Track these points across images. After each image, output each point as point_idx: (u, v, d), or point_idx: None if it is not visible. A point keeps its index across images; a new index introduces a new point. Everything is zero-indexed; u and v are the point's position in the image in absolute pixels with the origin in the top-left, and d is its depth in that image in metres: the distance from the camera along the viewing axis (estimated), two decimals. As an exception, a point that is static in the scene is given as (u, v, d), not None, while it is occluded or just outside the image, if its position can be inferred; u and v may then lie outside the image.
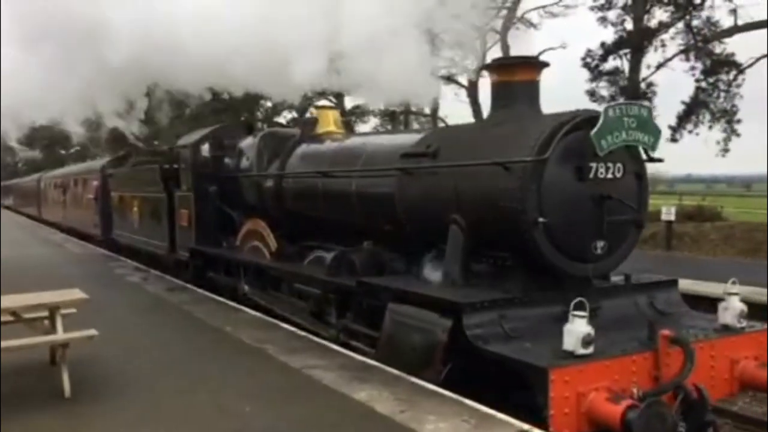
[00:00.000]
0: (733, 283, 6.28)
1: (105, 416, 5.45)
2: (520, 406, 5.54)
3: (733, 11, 22.95)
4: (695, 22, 24.37)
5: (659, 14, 25.43)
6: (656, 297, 6.90)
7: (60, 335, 6.14)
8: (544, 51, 28.26)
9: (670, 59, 25.00)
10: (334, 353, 7.16)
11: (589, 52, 25.78)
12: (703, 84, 24.53)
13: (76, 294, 6.64)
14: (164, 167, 13.80)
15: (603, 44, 25.63)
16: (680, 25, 25.15)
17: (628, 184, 6.47)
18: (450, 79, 34.04)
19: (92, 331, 6.17)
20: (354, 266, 8.02)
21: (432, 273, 7.18)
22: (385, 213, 7.89)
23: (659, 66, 25.34)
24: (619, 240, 6.50)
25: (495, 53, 27.29)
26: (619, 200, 6.24)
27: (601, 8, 26.00)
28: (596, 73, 26.12)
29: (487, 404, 5.43)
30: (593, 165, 6.16)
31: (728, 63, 24.34)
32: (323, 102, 26.24)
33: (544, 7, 30.71)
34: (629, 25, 25.55)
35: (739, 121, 24.22)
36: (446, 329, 6.06)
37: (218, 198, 12.06)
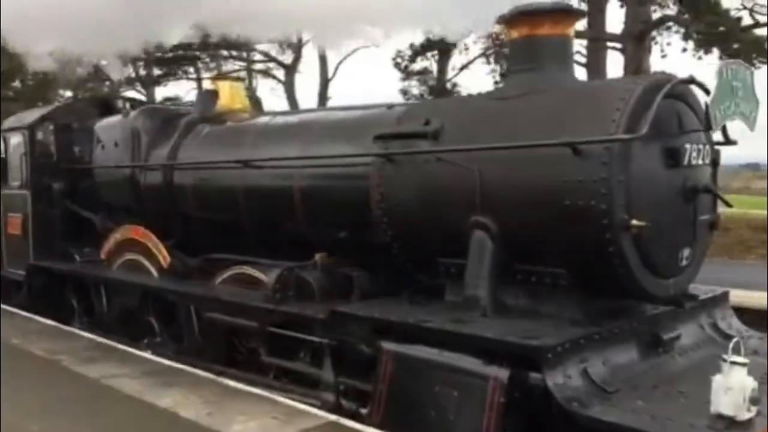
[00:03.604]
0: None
1: None
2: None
3: None
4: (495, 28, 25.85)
5: (464, 19, 26.83)
6: (714, 315, 5.48)
7: None
8: (357, 49, 27.63)
9: (472, 61, 27.02)
10: (137, 359, 6.59)
11: (398, 53, 26.76)
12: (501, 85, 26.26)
13: None
14: (-20, 157, 10.52)
15: (411, 45, 26.31)
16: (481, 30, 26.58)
17: (708, 172, 4.95)
18: (267, 73, 32.79)
19: None
20: (309, 288, 5.86)
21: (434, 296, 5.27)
22: (351, 215, 5.81)
23: (462, 67, 27.55)
24: (698, 246, 4.96)
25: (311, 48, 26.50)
26: (715, 194, 4.70)
27: None
28: (406, 73, 27.81)
29: None
30: (688, 146, 4.55)
31: None
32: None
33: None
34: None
35: None
36: (503, 383, 4.18)
37: (67, 197, 9.16)
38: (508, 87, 5.32)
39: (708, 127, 4.35)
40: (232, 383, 5.70)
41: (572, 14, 5.25)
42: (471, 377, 4.33)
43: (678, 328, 4.91)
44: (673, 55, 23.09)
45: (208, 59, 32.66)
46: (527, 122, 4.78)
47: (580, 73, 22.65)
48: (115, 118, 8.73)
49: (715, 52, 23.20)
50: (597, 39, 22.16)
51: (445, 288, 5.32)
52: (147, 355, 6.71)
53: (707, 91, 4.57)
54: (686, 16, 23.44)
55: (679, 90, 4.68)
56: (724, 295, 5.66)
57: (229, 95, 7.83)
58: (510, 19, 5.22)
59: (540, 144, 4.50)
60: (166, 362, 6.40)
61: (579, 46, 23.12)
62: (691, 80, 4.61)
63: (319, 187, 6.11)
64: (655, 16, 22.80)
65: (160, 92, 33.04)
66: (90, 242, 8.86)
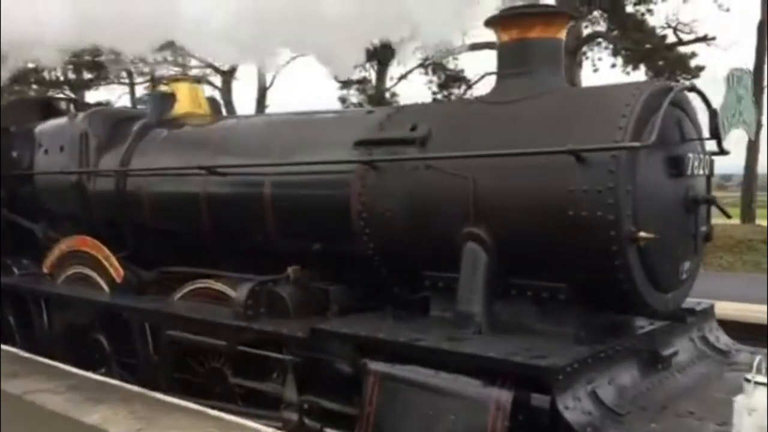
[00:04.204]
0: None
1: None
2: None
3: (463, 33, 25.86)
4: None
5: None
6: (703, 328, 5.36)
7: None
8: (295, 58, 27.45)
9: (410, 72, 28.00)
10: (64, 373, 6.22)
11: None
12: (439, 96, 26.93)
13: None
14: None
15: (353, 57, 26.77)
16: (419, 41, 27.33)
17: (703, 182, 4.82)
18: (203, 79, 32.42)
19: None
20: (282, 304, 5.48)
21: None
22: (328, 226, 5.47)
23: (401, 78, 28.64)
24: (697, 259, 4.82)
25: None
26: (716, 205, 4.57)
27: None
28: (345, 83, 28.32)
29: None
30: (690, 156, 4.39)
31: (459, 78, 27.58)
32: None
33: None
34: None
35: None
36: (506, 407, 3.90)
37: (4, 206, 8.50)
38: (499, 92, 5.06)
39: (715, 136, 4.21)
40: (163, 397, 5.43)
41: (564, 17, 5.05)
42: (470, 400, 4.04)
43: (674, 344, 4.76)
44: (604, 70, 24.00)
45: (141, 63, 31.94)
46: (525, 128, 4.54)
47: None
48: (59, 121, 8.12)
49: (642, 68, 24.20)
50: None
51: (431, 302, 5.03)
52: (73, 369, 6.30)
53: (706, 100, 4.47)
54: (615, 33, 24.29)
55: (678, 97, 4.53)
56: (711, 308, 5.55)
57: (188, 98, 7.36)
58: (500, 22, 5.00)
59: (544, 151, 4.25)
60: (94, 376, 6.08)
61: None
62: (692, 87, 4.48)
63: (292, 195, 5.73)
64: (586, 32, 23.50)
65: (91, 96, 32.11)
66: (30, 254, 8.23)
